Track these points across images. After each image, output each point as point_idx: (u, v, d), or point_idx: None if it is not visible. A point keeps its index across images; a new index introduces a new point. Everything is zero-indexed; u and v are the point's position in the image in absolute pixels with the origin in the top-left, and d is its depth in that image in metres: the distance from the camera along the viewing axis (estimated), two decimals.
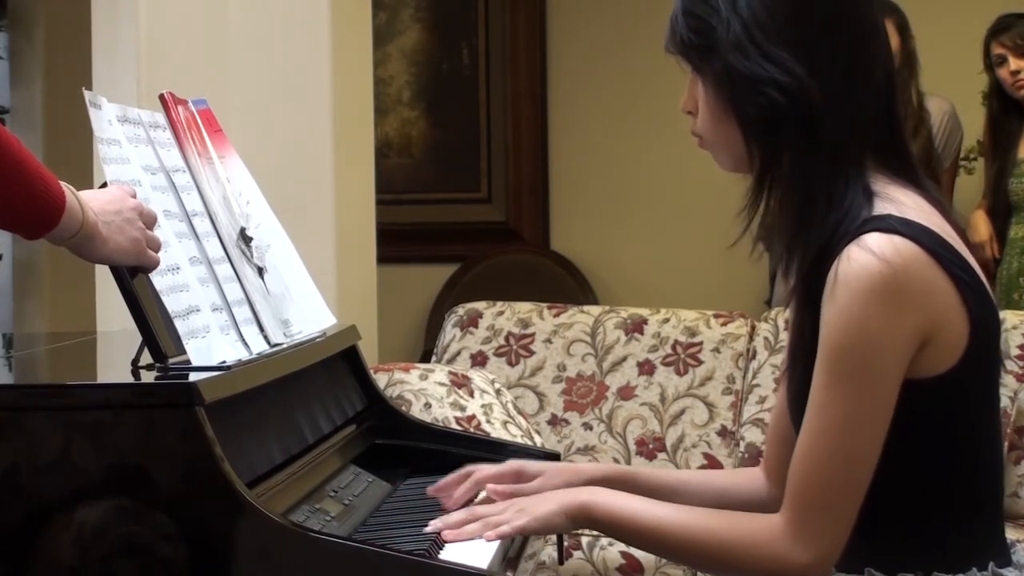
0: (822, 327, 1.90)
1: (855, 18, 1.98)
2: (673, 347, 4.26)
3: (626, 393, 4.22)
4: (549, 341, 4.30)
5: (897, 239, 1.88)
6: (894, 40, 4.48)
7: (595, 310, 4.41)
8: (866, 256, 1.86)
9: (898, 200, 1.93)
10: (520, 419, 3.96)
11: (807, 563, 1.92)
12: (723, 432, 4.17)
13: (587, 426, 4.21)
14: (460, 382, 3.90)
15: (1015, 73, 5.18)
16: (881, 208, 1.92)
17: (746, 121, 1.97)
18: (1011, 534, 3.50)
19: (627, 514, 2.03)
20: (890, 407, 1.89)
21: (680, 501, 2.12)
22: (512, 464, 2.25)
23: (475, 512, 2.08)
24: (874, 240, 1.87)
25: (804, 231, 1.95)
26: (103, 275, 3.65)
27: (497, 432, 3.77)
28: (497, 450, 2.58)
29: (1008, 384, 3.91)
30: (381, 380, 3.73)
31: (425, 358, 5.63)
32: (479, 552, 2.00)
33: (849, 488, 1.91)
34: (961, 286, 1.91)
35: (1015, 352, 3.98)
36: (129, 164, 2.10)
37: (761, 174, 1.98)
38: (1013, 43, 5.19)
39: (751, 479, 2.25)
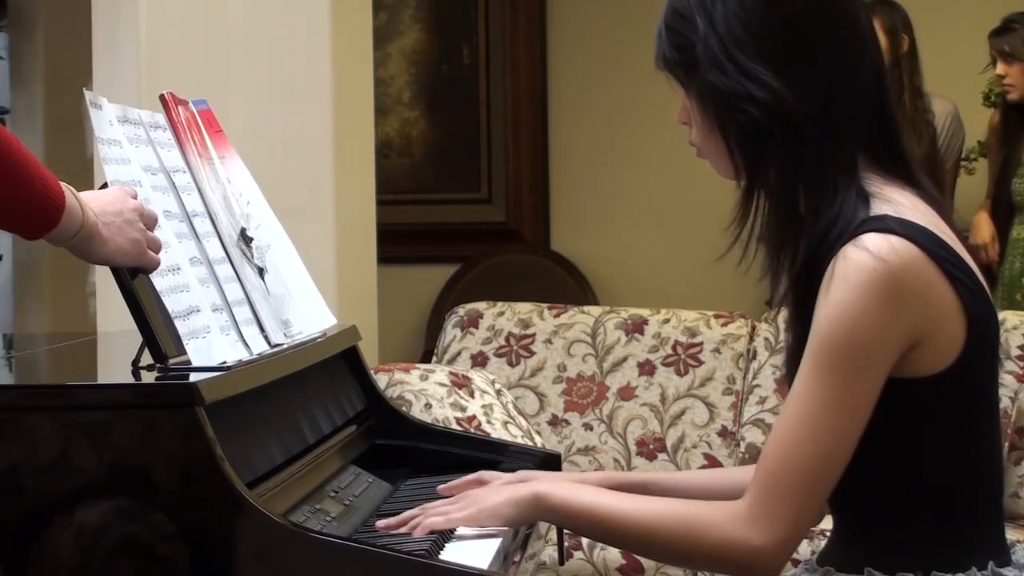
0: (814, 320, 1.90)
1: (834, 24, 1.97)
2: (673, 347, 4.25)
3: (626, 393, 4.22)
4: (549, 341, 4.30)
5: (894, 239, 1.88)
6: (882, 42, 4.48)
7: (595, 310, 4.41)
8: (863, 255, 1.87)
9: (895, 200, 1.93)
10: (520, 419, 3.96)
11: (761, 545, 1.89)
12: (723, 432, 4.17)
13: (587, 426, 4.21)
14: (460, 382, 3.90)
15: (1001, 77, 5.23)
16: (878, 208, 1.92)
17: (729, 135, 1.98)
18: (1011, 534, 3.49)
19: (584, 503, 2.02)
20: (871, 402, 1.89)
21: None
22: (521, 473, 2.25)
23: (426, 508, 2.09)
24: (871, 240, 1.88)
25: (792, 240, 1.95)
26: (103, 275, 3.64)
27: (497, 432, 3.77)
28: (498, 451, 2.58)
29: (1008, 384, 3.91)
30: (381, 380, 3.73)
31: (425, 358, 5.62)
32: (479, 552, 2.00)
33: (818, 478, 1.89)
34: (958, 286, 1.91)
35: (1015, 352, 3.97)
36: (130, 164, 2.10)
37: (749, 185, 1.99)
38: (999, 49, 5.23)
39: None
